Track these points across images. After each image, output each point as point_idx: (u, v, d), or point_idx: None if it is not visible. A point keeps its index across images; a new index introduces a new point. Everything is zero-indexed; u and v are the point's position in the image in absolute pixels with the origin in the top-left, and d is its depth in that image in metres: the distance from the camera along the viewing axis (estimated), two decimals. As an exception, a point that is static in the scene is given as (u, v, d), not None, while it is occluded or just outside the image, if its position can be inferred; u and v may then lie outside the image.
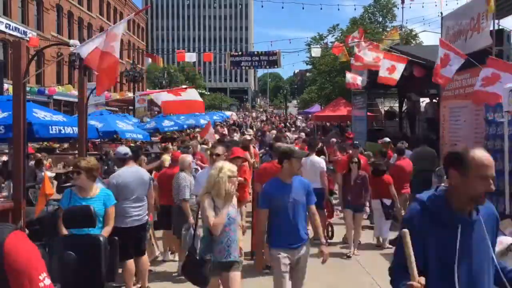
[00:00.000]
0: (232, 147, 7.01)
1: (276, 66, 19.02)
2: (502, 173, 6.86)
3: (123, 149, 6.16)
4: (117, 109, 31.74)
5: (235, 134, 21.22)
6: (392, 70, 11.43)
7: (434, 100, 14.64)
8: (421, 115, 15.86)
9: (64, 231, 4.34)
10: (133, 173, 5.73)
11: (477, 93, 7.39)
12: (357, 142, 11.34)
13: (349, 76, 16.27)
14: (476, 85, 7.45)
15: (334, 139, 15.45)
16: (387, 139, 11.61)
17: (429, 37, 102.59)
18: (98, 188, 4.73)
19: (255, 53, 19.87)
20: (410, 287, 2.05)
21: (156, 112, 28.06)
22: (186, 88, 9.80)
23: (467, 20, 10.03)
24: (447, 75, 8.22)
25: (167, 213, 7.37)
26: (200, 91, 65.12)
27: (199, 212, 4.37)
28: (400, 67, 11.39)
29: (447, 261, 2.21)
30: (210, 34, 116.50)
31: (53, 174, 11.17)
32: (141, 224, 5.68)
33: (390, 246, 7.77)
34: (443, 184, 2.39)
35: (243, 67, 20.38)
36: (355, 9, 69.65)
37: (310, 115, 34.74)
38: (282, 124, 36.57)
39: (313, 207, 4.51)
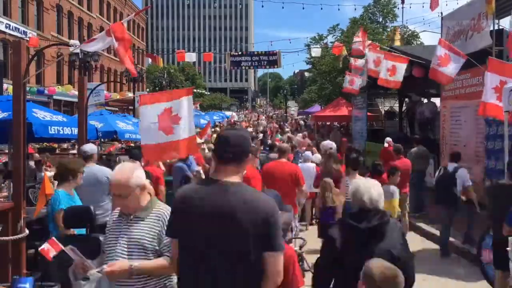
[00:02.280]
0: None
1: (276, 66, 19.06)
2: (502, 173, 6.85)
3: (85, 147, 5.95)
4: (117, 109, 31.65)
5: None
6: (393, 71, 11.39)
7: (423, 100, 14.65)
8: (419, 115, 15.84)
9: (66, 231, 4.24)
10: (86, 173, 5.19)
11: (488, 105, 6.92)
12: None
13: (347, 79, 16.24)
14: (487, 95, 6.94)
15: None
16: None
17: (429, 37, 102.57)
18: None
19: (255, 53, 19.92)
20: None
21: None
22: (189, 89, 6.53)
23: (468, 20, 10.01)
24: (448, 74, 8.19)
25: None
26: (200, 91, 65.25)
27: None
28: (401, 67, 11.34)
29: None
30: (210, 34, 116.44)
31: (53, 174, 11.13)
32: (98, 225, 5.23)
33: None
34: None
35: (243, 67, 20.44)
36: (355, 9, 69.57)
37: (310, 115, 34.56)
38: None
39: None
